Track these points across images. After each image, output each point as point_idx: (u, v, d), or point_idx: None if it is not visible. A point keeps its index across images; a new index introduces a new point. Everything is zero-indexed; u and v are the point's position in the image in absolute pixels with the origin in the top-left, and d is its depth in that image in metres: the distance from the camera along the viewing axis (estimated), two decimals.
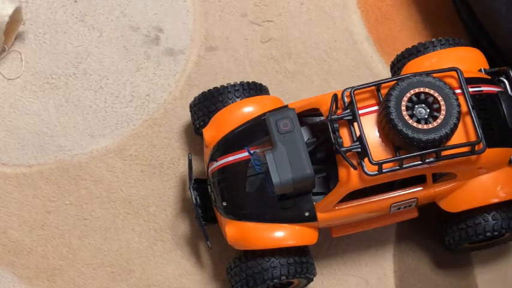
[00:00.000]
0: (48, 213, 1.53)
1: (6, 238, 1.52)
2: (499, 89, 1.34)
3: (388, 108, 1.23)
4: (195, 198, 1.40)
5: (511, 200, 1.35)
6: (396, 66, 1.45)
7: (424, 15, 1.63)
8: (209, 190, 1.40)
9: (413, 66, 1.39)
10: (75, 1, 1.66)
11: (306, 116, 1.39)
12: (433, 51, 1.40)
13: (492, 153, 1.28)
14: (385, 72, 1.58)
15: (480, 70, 1.37)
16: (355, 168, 1.26)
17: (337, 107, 1.29)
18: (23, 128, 1.59)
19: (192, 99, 1.50)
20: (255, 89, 1.46)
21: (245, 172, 1.34)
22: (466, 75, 1.28)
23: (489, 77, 1.35)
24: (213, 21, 1.65)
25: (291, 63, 1.62)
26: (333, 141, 1.25)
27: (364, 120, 1.26)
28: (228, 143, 1.38)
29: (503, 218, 1.35)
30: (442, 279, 1.49)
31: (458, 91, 1.26)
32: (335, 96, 1.28)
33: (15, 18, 1.59)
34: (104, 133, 1.58)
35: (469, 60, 1.38)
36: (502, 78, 1.36)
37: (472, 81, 1.31)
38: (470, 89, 1.28)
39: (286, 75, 1.61)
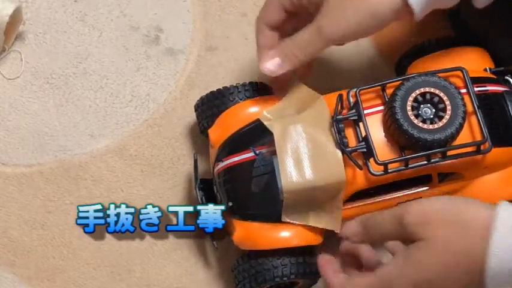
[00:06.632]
0: (48, 213, 1.53)
1: (6, 238, 1.52)
2: (505, 88, 1.34)
3: (393, 108, 1.23)
4: (201, 199, 1.40)
5: None
6: (401, 65, 1.46)
7: (427, 14, 1.63)
8: (215, 190, 1.39)
9: (418, 66, 1.40)
10: (75, 1, 1.66)
11: None
12: (438, 50, 1.41)
13: (498, 153, 1.28)
14: (387, 72, 1.58)
15: (486, 69, 1.38)
16: (360, 169, 1.26)
17: (342, 107, 1.29)
18: (23, 128, 1.58)
19: (198, 98, 1.48)
20: (263, 89, 1.46)
21: (251, 172, 1.34)
22: (471, 74, 1.28)
23: (495, 76, 1.36)
24: (213, 21, 1.65)
25: None
26: (338, 141, 1.26)
27: (369, 120, 1.26)
28: (234, 143, 1.38)
29: None
30: None
31: (463, 91, 1.26)
32: (340, 96, 1.29)
33: (15, 18, 1.58)
34: (104, 133, 1.58)
35: (474, 59, 1.39)
36: (507, 78, 1.36)
37: (477, 80, 1.31)
38: (476, 89, 1.28)
39: None
